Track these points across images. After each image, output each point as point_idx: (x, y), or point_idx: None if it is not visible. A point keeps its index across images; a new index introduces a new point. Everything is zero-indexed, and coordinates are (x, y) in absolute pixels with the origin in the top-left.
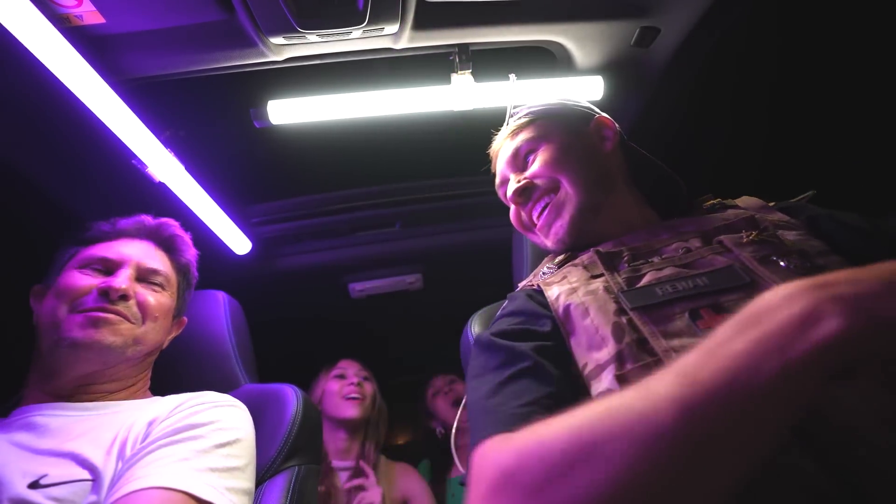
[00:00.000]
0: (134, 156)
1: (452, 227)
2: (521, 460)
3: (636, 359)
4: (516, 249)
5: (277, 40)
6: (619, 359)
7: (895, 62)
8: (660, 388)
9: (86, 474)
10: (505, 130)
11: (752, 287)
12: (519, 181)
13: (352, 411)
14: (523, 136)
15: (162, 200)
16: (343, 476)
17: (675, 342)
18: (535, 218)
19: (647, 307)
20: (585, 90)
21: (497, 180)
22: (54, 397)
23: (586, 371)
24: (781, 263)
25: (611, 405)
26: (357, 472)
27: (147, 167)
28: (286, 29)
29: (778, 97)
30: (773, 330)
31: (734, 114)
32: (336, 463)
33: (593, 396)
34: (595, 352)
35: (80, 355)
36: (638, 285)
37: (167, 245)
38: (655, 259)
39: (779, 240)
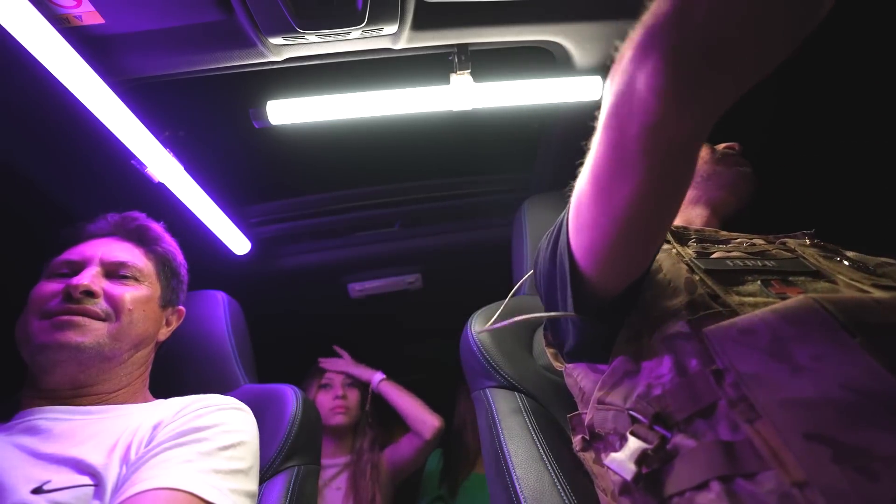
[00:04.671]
0: (133, 156)
1: (452, 227)
2: None
3: (708, 307)
4: (516, 249)
5: (276, 40)
6: (690, 306)
7: None
8: None
9: (88, 480)
10: None
11: (817, 274)
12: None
13: (336, 419)
14: None
15: (161, 201)
16: (330, 472)
17: (749, 299)
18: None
19: (718, 272)
20: (584, 90)
21: None
22: (52, 401)
23: (652, 316)
24: (845, 262)
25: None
26: (348, 468)
27: (146, 167)
28: (285, 29)
29: (779, 93)
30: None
31: (733, 113)
32: (324, 461)
33: (659, 340)
34: (665, 301)
35: (51, 358)
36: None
37: (135, 236)
38: (722, 246)
39: (838, 249)
